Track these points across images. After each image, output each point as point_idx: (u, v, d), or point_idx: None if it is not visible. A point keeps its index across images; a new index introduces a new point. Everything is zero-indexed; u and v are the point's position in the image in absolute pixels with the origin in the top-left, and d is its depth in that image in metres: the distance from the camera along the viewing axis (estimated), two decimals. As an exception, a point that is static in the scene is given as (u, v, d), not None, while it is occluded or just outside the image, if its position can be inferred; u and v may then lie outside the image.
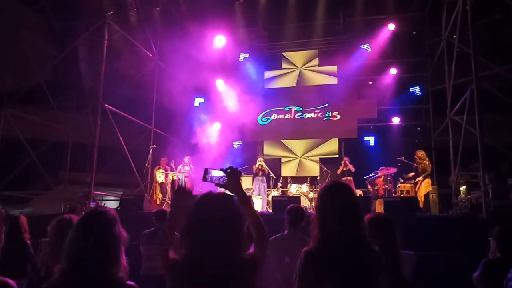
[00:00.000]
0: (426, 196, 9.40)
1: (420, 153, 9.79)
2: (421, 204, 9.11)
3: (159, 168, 11.16)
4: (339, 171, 11.02)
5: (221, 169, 1.99)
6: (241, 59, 13.90)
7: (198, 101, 13.85)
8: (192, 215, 1.76)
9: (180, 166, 11.09)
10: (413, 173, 9.78)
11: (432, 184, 9.87)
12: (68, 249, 1.69)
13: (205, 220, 1.72)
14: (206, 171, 2.02)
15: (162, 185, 11.00)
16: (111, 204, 12.11)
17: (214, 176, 2.01)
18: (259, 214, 2.02)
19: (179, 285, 1.70)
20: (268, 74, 14.58)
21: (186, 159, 11.22)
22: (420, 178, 9.47)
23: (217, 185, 2.00)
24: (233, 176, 1.98)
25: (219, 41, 13.34)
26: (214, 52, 13.16)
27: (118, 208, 9.10)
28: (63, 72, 12.08)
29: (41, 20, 12.25)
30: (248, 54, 13.92)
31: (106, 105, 10.46)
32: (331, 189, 2.05)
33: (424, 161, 9.62)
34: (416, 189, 9.46)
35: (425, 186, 9.43)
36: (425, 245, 6.00)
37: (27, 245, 4.16)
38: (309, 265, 1.88)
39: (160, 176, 11.05)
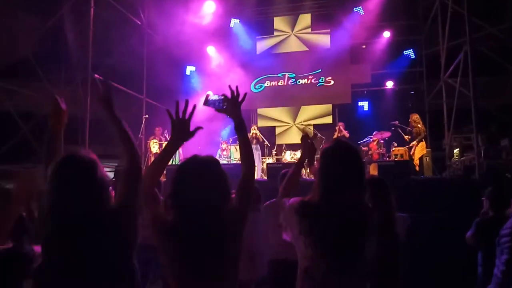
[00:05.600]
0: (421, 159, 9.46)
1: (415, 117, 9.74)
2: (417, 168, 9.19)
3: (153, 138, 11.11)
4: (334, 137, 11.00)
5: (222, 94, 1.99)
6: (232, 25, 13.62)
7: (189, 69, 13.67)
8: (176, 179, 1.74)
9: (174, 136, 11.01)
10: (408, 136, 9.76)
11: (426, 147, 9.92)
12: (50, 202, 1.58)
13: (189, 184, 1.70)
14: (206, 97, 2.02)
15: (156, 155, 10.95)
16: (106, 175, 12.10)
17: (213, 101, 2.01)
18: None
19: (171, 247, 1.68)
20: (260, 39, 14.31)
21: (180, 128, 11.13)
22: (415, 143, 9.48)
23: (217, 110, 2.00)
24: (232, 101, 1.97)
25: (209, 6, 12.99)
26: (204, 18, 12.83)
27: (113, 179, 9.09)
28: (51, 44, 11.75)
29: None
30: (239, 20, 13.63)
31: (96, 76, 10.27)
32: (338, 149, 2.02)
33: (418, 125, 9.60)
34: (411, 153, 9.50)
35: (419, 150, 9.44)
36: (419, 207, 6.08)
37: (22, 218, 4.15)
38: (304, 212, 1.90)
39: (154, 147, 11.00)
